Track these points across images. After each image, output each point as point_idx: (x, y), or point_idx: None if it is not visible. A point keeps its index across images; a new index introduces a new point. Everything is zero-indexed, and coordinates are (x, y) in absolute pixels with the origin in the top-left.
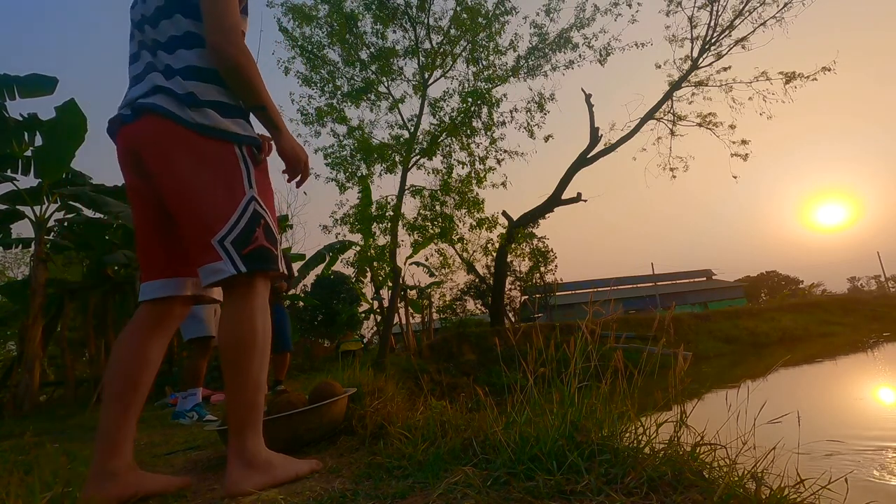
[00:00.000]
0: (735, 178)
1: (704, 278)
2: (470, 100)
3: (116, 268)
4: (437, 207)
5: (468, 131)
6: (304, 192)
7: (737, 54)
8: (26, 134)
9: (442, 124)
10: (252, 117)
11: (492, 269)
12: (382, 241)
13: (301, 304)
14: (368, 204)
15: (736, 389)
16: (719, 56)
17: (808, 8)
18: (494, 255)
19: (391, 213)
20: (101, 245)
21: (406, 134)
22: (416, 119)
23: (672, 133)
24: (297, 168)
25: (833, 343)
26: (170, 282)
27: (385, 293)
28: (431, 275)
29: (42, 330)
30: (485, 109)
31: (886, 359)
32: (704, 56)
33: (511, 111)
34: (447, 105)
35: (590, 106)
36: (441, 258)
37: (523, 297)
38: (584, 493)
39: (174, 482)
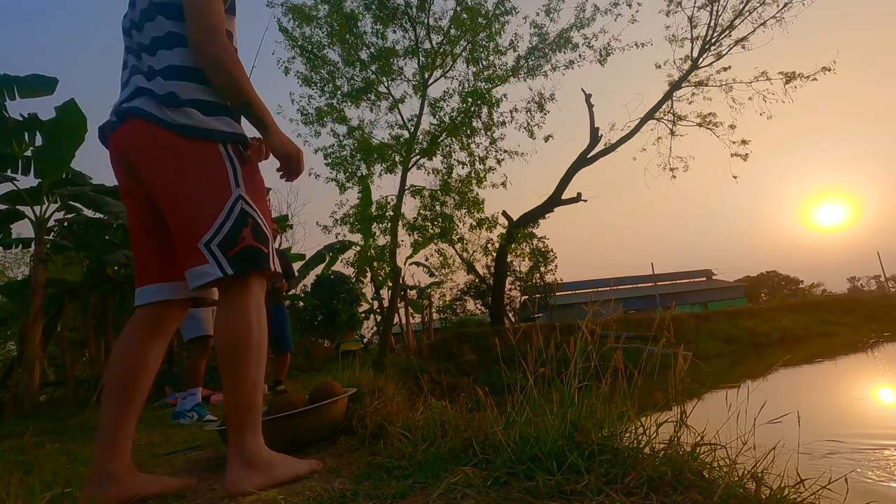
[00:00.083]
0: (735, 178)
1: (704, 278)
2: (470, 100)
3: (116, 268)
4: (437, 207)
5: (468, 131)
6: (297, 188)
7: (737, 54)
8: (26, 134)
9: (442, 124)
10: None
11: (492, 269)
12: (382, 241)
13: (301, 304)
14: (368, 204)
15: (736, 389)
16: (719, 56)
17: (808, 8)
18: (494, 255)
19: (391, 213)
20: (101, 245)
21: (406, 134)
22: (416, 119)
23: (672, 133)
24: (290, 164)
25: (833, 343)
26: (165, 286)
27: (385, 293)
28: (431, 275)
29: (42, 330)
30: (485, 109)
31: (886, 359)
32: (704, 56)
33: (511, 111)
34: (447, 105)
35: (590, 106)
36: (441, 258)
37: (523, 297)
38: (584, 493)
39: (174, 483)
